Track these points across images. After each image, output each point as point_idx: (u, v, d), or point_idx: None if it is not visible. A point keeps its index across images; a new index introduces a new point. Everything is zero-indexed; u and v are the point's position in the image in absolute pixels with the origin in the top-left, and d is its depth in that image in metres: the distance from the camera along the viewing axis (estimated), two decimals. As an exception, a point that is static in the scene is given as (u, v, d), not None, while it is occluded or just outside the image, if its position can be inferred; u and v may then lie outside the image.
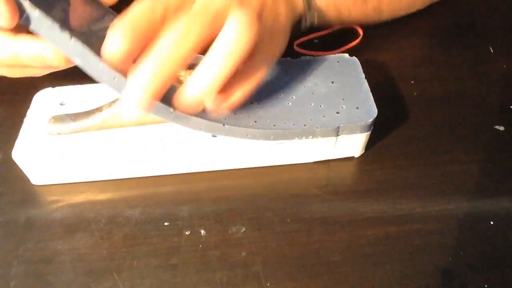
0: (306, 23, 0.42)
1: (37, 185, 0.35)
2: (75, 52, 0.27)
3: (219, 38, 0.28)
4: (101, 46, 0.27)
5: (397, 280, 0.31)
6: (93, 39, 0.28)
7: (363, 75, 0.38)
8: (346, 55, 0.40)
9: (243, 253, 0.32)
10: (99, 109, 0.34)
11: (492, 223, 0.34)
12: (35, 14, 0.26)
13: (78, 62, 0.27)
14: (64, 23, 0.27)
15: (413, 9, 0.49)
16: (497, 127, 0.41)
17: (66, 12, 0.29)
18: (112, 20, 0.29)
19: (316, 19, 0.41)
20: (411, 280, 0.31)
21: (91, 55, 0.27)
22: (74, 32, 0.27)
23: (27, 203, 0.34)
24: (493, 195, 0.36)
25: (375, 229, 0.33)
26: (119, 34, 0.26)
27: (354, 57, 0.39)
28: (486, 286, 0.31)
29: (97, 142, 0.34)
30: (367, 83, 0.37)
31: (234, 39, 0.27)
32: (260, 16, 0.32)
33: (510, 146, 0.39)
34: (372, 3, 0.45)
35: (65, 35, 0.26)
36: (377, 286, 0.31)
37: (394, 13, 0.48)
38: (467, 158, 0.38)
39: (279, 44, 0.34)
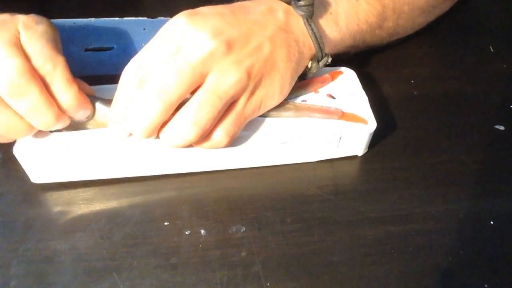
0: (318, 67, 0.37)
1: (37, 186, 0.35)
2: None
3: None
4: None
5: (397, 280, 0.31)
6: None
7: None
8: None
9: (243, 253, 0.32)
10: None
11: (492, 223, 0.34)
12: None
13: None
14: None
15: (420, 27, 0.48)
16: (497, 127, 0.41)
17: None
18: None
19: (330, 60, 0.37)
20: (411, 280, 0.31)
21: None
22: None
23: (27, 203, 0.34)
24: (493, 195, 0.36)
25: (375, 229, 0.33)
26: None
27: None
28: (486, 286, 0.31)
29: (98, 140, 0.34)
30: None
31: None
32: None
33: (510, 146, 0.39)
34: (387, 29, 0.43)
35: None
36: (377, 286, 0.31)
37: (406, 33, 0.47)
38: (467, 158, 0.38)
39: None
